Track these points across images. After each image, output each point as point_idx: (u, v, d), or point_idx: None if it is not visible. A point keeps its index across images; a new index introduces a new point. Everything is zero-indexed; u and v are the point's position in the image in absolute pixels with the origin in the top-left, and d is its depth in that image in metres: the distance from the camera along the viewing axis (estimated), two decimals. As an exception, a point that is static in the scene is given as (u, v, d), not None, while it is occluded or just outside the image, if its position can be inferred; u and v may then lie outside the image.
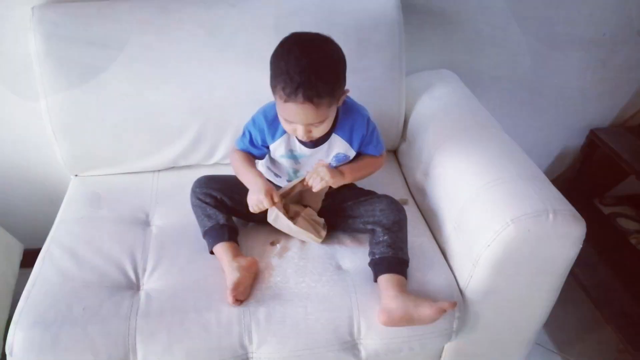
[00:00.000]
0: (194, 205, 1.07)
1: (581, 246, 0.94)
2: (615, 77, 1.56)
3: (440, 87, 1.32)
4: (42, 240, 1.08)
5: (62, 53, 1.11)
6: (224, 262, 0.99)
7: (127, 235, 1.08)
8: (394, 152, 1.37)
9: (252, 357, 0.93)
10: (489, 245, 0.92)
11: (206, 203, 1.05)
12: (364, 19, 1.19)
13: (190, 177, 1.10)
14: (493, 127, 1.16)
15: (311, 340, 0.94)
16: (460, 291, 1.00)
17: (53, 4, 1.11)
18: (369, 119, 1.05)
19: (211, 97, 1.18)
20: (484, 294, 0.98)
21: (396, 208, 1.03)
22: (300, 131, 0.95)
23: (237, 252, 1.01)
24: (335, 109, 0.98)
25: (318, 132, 0.98)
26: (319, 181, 1.00)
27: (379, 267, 0.98)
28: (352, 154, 1.07)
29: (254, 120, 1.05)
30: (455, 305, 0.91)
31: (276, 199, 1.00)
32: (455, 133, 1.14)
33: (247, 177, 1.04)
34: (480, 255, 0.94)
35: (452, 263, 1.04)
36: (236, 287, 0.93)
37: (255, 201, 1.00)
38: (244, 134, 1.07)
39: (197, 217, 1.06)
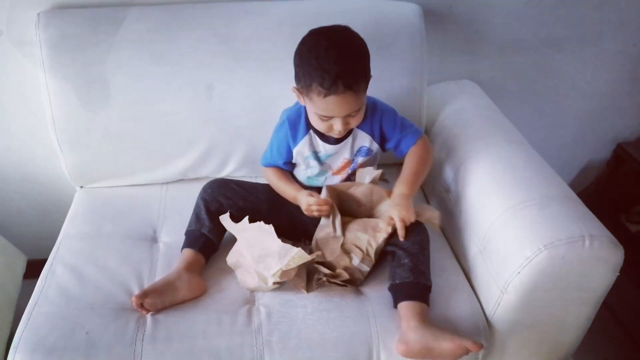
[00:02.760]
0: (196, 203, 1.04)
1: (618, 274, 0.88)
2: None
3: (463, 98, 1.27)
4: (47, 251, 1.04)
5: (69, 61, 1.07)
6: (176, 266, 0.96)
7: (134, 253, 1.03)
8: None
9: (264, 387, 0.88)
10: (519, 272, 0.86)
11: (205, 207, 1.02)
12: (385, 27, 1.14)
13: (200, 190, 1.06)
14: (520, 143, 1.10)
15: (327, 370, 0.89)
16: (486, 319, 0.94)
17: (59, 9, 1.08)
18: (379, 103, 1.05)
19: (223, 107, 1.14)
20: (512, 324, 0.93)
21: (418, 227, 0.98)
22: (338, 125, 0.95)
23: (194, 266, 0.97)
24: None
25: (355, 122, 0.98)
26: (402, 225, 0.94)
27: (399, 293, 0.92)
28: (375, 147, 1.05)
29: (277, 128, 1.05)
30: (481, 348, 0.84)
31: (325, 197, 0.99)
32: (480, 148, 1.08)
33: (289, 193, 1.05)
34: (509, 283, 0.88)
35: (477, 288, 0.98)
36: (146, 294, 0.89)
37: (306, 208, 0.99)
38: (267, 149, 1.08)
39: (192, 214, 1.04)
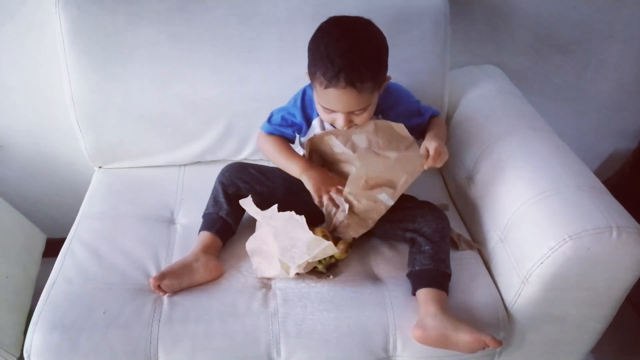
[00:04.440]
0: (214, 186, 1.03)
1: (645, 267, 0.85)
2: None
3: (486, 83, 1.23)
4: (66, 230, 1.04)
5: (88, 40, 1.06)
6: (193, 248, 0.95)
7: (151, 234, 1.03)
8: (433, 152, 1.29)
9: (279, 371, 0.88)
10: (542, 263, 0.84)
11: (223, 190, 1.01)
12: (408, 9, 1.11)
13: (218, 173, 1.05)
14: (545, 130, 1.06)
15: (343, 355, 0.88)
16: (506, 309, 0.92)
17: (79, -13, 1.06)
18: (399, 92, 1.03)
19: (242, 89, 1.12)
20: (532, 314, 0.91)
21: (439, 215, 0.96)
22: (340, 120, 0.93)
23: (211, 249, 0.96)
24: (377, 97, 0.94)
25: (360, 120, 0.95)
26: (436, 156, 0.91)
27: (418, 279, 0.90)
28: None
29: (296, 98, 1.03)
30: (500, 345, 0.82)
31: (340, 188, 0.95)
32: (503, 135, 1.05)
33: (292, 168, 1.00)
34: (531, 273, 0.86)
35: (497, 278, 0.96)
36: (164, 276, 0.88)
37: (317, 193, 0.95)
38: (270, 117, 1.05)
39: (210, 197, 1.02)
